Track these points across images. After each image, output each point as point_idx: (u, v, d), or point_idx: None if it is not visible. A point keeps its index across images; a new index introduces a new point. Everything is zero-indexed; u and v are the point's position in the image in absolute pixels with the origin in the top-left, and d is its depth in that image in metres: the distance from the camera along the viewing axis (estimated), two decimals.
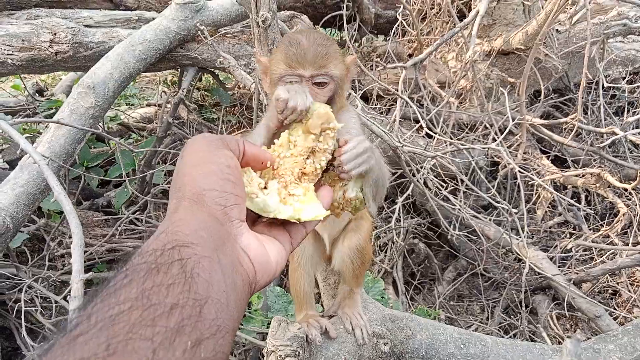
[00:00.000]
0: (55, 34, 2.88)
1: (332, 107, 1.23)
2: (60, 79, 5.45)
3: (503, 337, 3.31)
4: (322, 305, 2.34)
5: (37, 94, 4.53)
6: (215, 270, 0.67)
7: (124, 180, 3.15)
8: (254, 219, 0.88)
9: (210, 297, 0.63)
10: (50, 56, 2.90)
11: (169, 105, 3.58)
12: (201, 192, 0.74)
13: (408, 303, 3.54)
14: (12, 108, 4.06)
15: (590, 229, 3.81)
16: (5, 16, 2.94)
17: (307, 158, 0.96)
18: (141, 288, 0.59)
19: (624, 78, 4.47)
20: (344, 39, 4.50)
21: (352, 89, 3.90)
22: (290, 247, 0.86)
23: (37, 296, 2.94)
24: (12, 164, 3.24)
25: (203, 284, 0.63)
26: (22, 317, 2.45)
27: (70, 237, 3.34)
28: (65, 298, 2.80)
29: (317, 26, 3.76)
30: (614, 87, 4.41)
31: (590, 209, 3.95)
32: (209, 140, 0.80)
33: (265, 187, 0.90)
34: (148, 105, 5.24)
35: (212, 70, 3.56)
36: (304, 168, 0.94)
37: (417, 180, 3.22)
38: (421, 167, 3.36)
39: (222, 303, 0.64)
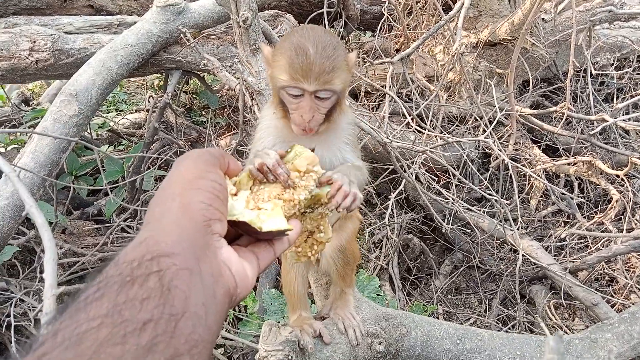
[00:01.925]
0: (34, 42, 2.83)
1: (331, 117, 1.38)
2: (48, 86, 5.39)
3: (501, 329, 3.31)
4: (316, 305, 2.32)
5: (22, 104, 4.47)
6: (195, 281, 0.65)
7: (114, 188, 3.11)
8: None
9: (187, 311, 0.60)
10: (30, 65, 2.85)
11: (156, 110, 3.54)
12: (189, 203, 0.74)
13: (405, 299, 3.52)
14: None
15: (584, 217, 3.81)
16: None
17: (287, 188, 0.99)
18: (113, 303, 0.57)
19: (612, 64, 4.48)
20: None
21: None
22: (258, 269, 0.86)
23: (30, 309, 2.90)
24: None
25: (180, 297, 0.61)
26: (12, 331, 2.42)
27: (60, 247, 3.30)
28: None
29: (302, 25, 3.73)
30: (602, 74, 4.42)
31: (584, 197, 3.94)
32: (205, 158, 0.82)
33: (235, 194, 0.92)
34: (137, 110, 5.19)
35: (198, 72, 3.52)
36: (282, 195, 0.96)
37: (409, 175, 3.20)
38: (412, 162, 3.34)
39: (200, 316, 0.62)
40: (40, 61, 2.86)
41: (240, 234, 0.89)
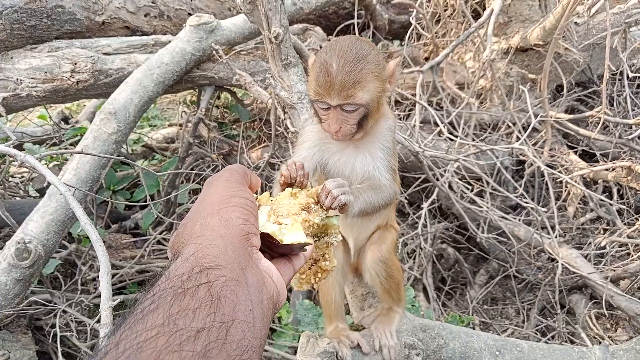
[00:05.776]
0: (75, 64, 2.95)
1: (365, 125, 1.44)
2: (85, 105, 5.59)
3: (540, 340, 3.22)
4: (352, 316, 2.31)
5: (62, 122, 4.64)
6: (242, 290, 0.68)
7: (149, 203, 3.19)
8: None
9: (236, 319, 0.64)
10: (72, 86, 2.97)
11: (189, 125, 3.63)
12: (228, 219, 0.79)
13: (440, 309, 3.47)
14: (39, 137, 4.17)
15: (624, 224, 3.69)
16: (29, 50, 3.02)
17: (303, 210, 1.03)
18: (167, 313, 0.60)
19: None
20: None
21: None
22: (291, 274, 0.92)
23: (72, 320, 2.99)
24: (42, 192, 3.32)
25: (230, 306, 0.64)
26: (58, 341, 2.50)
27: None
28: (98, 321, 2.84)
29: (330, 37, 3.77)
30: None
31: (623, 203, 3.83)
32: (235, 178, 0.89)
33: (257, 209, 0.95)
34: (170, 125, 5.32)
35: (230, 88, 3.59)
36: (299, 214, 1.01)
37: (442, 184, 3.17)
38: (445, 171, 3.32)
39: (249, 322, 0.65)
40: (81, 82, 2.98)
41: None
